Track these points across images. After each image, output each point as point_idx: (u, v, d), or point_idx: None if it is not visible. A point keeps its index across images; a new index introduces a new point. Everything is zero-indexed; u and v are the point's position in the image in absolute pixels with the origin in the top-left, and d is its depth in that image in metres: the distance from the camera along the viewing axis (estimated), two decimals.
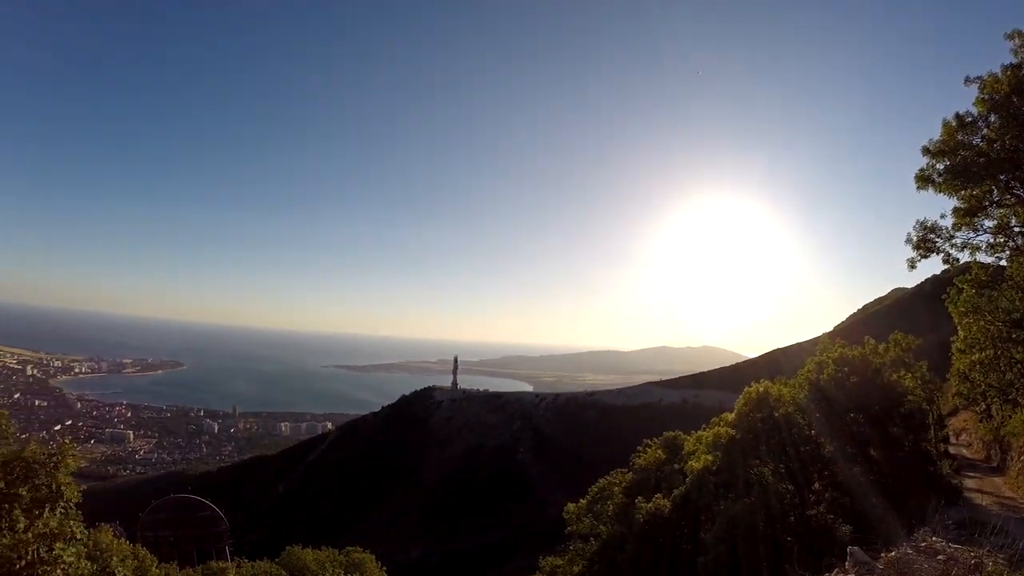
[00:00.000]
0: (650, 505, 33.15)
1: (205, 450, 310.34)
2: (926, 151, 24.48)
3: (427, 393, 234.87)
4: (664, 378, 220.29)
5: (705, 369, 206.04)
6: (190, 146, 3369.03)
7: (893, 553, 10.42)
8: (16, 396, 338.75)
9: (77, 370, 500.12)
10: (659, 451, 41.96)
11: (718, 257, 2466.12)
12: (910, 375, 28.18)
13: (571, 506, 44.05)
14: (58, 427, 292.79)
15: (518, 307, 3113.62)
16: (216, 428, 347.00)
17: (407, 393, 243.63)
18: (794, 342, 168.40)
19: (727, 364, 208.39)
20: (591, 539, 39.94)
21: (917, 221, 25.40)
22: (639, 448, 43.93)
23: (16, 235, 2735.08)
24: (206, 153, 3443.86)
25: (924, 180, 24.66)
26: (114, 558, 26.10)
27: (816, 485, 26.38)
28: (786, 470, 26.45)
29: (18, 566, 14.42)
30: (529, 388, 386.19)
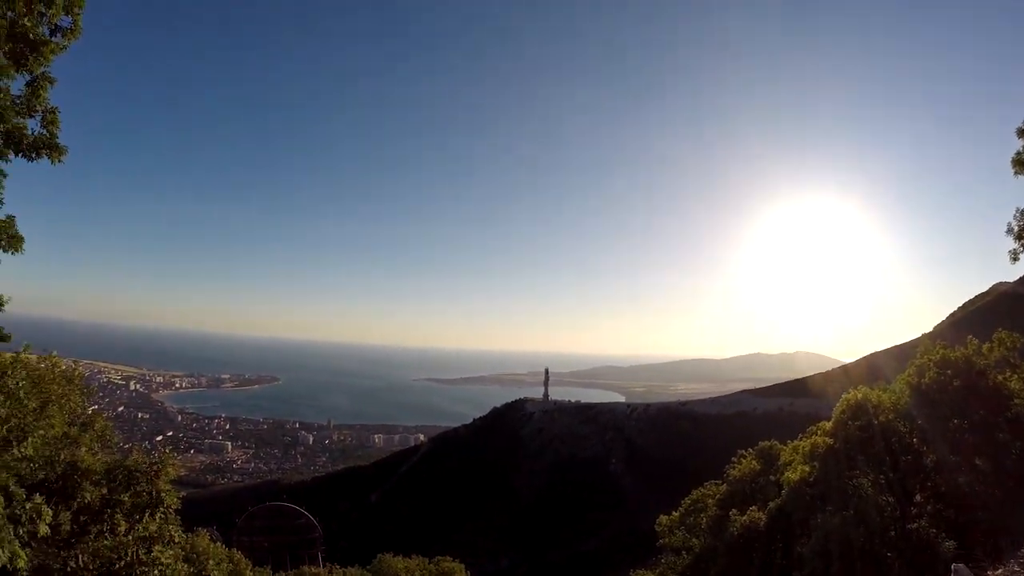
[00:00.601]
0: (745, 518, 32.25)
1: (300, 461, 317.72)
2: (1021, 133, 22.96)
3: (518, 405, 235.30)
4: (758, 386, 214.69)
5: (800, 375, 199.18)
6: (275, 179, 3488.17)
7: (1000, 571, 9.82)
8: (120, 409, 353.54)
9: (178, 385, 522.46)
10: (754, 462, 40.76)
11: (810, 259, 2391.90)
12: (1017, 376, 26.37)
13: (664, 518, 43.31)
14: (159, 438, 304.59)
15: (608, 317, 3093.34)
16: (311, 440, 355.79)
17: (498, 405, 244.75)
18: (892, 344, 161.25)
19: (823, 370, 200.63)
20: (683, 553, 39.12)
21: (1017, 209, 23.74)
22: (733, 459, 42.75)
23: (123, 261, 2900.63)
24: (292, 180, 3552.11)
25: (1022, 164, 23.14)
26: (210, 561, 27.07)
27: (918, 497, 25.01)
28: (886, 481, 25.19)
29: (118, 566, 15.09)
30: (621, 398, 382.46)
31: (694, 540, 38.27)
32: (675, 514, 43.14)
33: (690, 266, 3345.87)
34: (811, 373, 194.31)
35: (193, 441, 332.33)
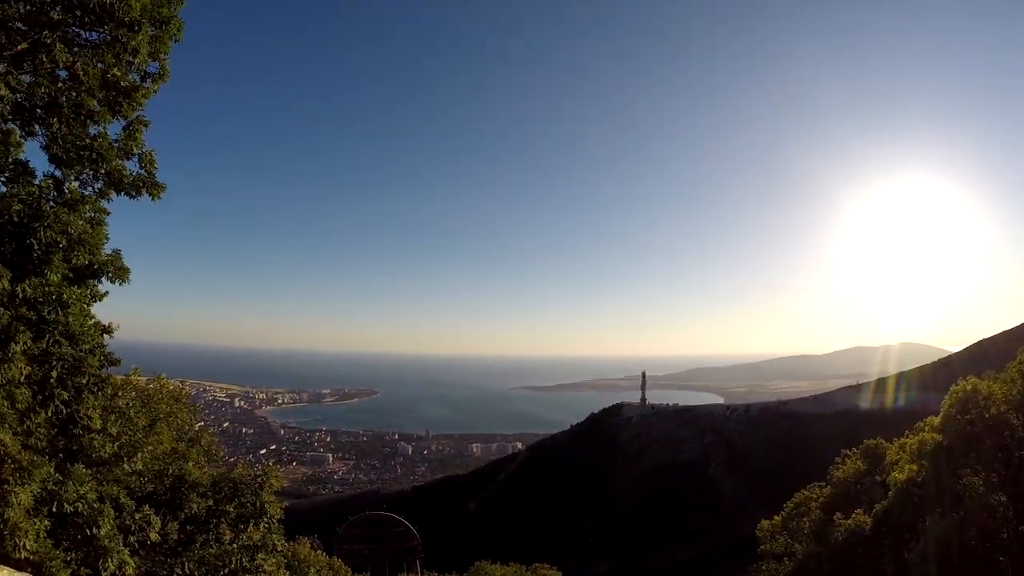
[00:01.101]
0: (849, 522, 31.22)
1: (399, 471, 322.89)
2: None
3: (615, 410, 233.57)
4: (861, 381, 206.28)
5: (905, 368, 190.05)
6: (373, 194, 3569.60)
7: None
8: (225, 425, 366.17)
9: (280, 401, 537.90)
10: (859, 462, 39.28)
11: (908, 245, 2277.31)
12: None
13: (765, 523, 42.30)
14: (263, 451, 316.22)
15: (703, 316, 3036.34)
16: (410, 450, 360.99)
17: (595, 411, 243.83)
18: (1001, 330, 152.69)
19: (929, 361, 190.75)
20: (785, 559, 38.09)
21: None
22: (837, 459, 41.36)
23: (225, 287, 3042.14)
24: (385, 200, 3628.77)
25: None
26: (311, 568, 28.08)
27: None
28: (998, 479, 23.90)
29: (222, 573, 15.86)
30: (719, 400, 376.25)
31: (796, 546, 37.24)
32: (777, 518, 42.05)
33: (785, 259, 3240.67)
34: (917, 365, 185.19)
35: (295, 454, 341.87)
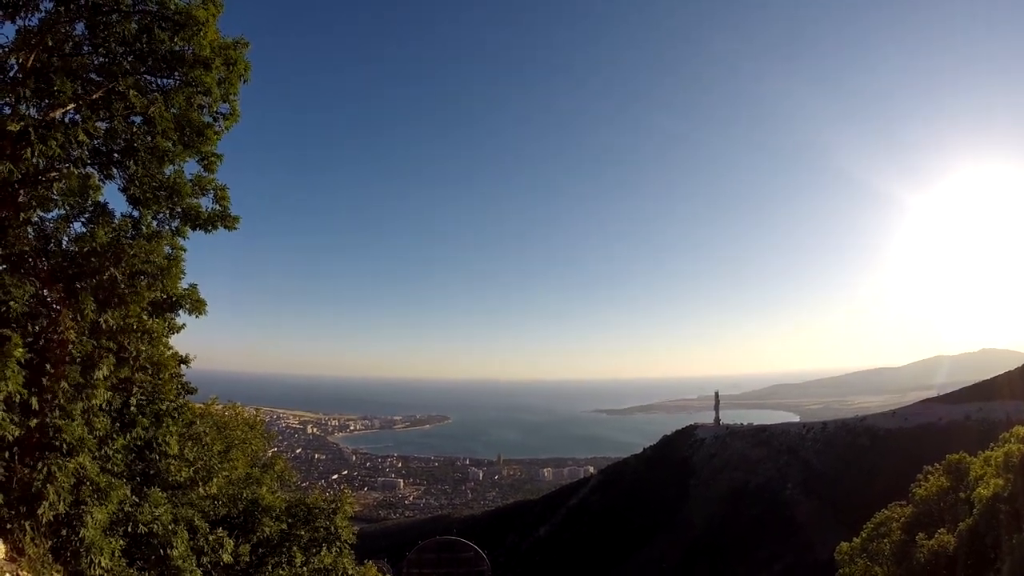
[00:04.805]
0: (932, 542, 30.19)
1: (470, 496, 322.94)
2: None
3: (689, 431, 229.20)
4: (941, 392, 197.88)
5: (988, 376, 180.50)
6: (440, 230, 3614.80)
7: None
8: (298, 451, 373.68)
9: (352, 427, 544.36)
10: (942, 478, 37.92)
11: (988, 241, 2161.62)
12: None
13: (844, 546, 41.21)
14: (335, 476, 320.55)
15: (776, 333, 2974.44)
16: (481, 475, 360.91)
17: (668, 433, 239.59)
18: None
19: (1014, 367, 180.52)
20: None
21: None
22: (919, 476, 40.08)
23: (299, 319, 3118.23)
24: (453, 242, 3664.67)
25: None
26: None
27: None
28: None
29: None
30: (795, 418, 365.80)
31: (876, 568, 36.12)
32: (856, 540, 40.93)
33: (858, 269, 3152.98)
34: (1001, 372, 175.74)
35: (367, 479, 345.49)
